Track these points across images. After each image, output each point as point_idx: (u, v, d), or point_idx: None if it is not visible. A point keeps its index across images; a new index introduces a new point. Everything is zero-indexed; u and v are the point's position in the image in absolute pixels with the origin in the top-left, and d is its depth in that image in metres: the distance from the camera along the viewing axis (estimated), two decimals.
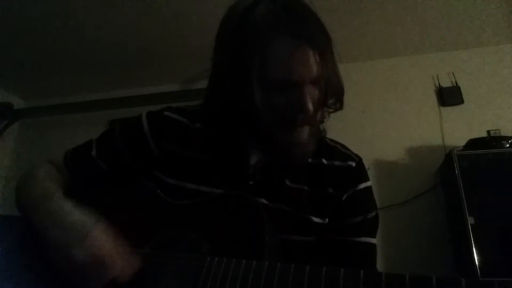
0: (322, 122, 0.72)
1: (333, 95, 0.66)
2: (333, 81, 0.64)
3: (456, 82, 2.25)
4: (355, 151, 0.77)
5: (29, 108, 2.93)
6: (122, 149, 0.73)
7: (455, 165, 1.73)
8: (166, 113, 0.76)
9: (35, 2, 1.95)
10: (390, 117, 2.29)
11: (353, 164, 0.73)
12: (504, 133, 2.01)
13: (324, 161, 0.73)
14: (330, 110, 0.70)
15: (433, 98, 2.28)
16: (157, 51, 2.38)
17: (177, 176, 0.69)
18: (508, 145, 1.75)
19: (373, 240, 0.71)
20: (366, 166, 0.76)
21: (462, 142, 1.87)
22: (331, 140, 0.79)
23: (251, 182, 0.69)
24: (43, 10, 2.02)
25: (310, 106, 0.59)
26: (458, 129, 2.14)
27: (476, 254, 1.56)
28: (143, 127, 0.73)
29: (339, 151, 0.76)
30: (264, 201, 0.67)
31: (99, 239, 0.54)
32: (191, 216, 0.62)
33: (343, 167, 0.72)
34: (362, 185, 0.72)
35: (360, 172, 0.74)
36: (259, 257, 0.52)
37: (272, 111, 0.61)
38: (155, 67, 2.56)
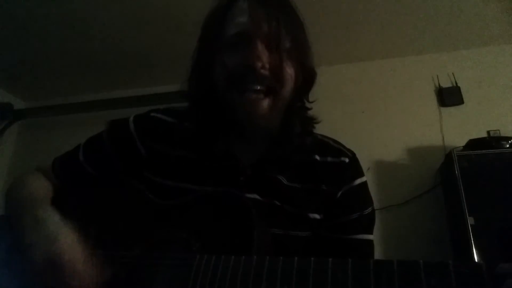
0: (301, 109, 0.72)
1: (302, 71, 0.67)
2: (298, 55, 0.66)
3: (456, 82, 2.25)
4: (355, 151, 0.76)
5: (29, 108, 2.93)
6: (110, 151, 0.73)
7: (455, 165, 1.73)
8: (152, 114, 0.77)
9: (35, 2, 1.95)
10: (390, 117, 2.29)
11: (346, 160, 0.72)
12: (504, 133, 2.01)
13: (317, 157, 0.72)
14: (307, 102, 0.72)
15: (433, 98, 2.28)
16: (157, 51, 2.38)
17: (167, 176, 0.69)
18: (508, 145, 1.75)
19: (370, 237, 0.71)
20: (366, 167, 0.75)
21: (462, 142, 1.88)
22: (322, 135, 0.78)
23: (241, 178, 0.68)
24: (43, 10, 2.02)
25: (258, 62, 0.60)
26: (458, 129, 2.14)
27: (476, 254, 1.56)
28: (129, 128, 0.74)
29: (331, 147, 0.74)
30: (256, 196, 0.67)
31: (63, 248, 0.54)
32: (181, 216, 0.62)
33: (336, 163, 0.71)
34: (357, 181, 0.71)
35: (354, 168, 0.73)
36: (248, 251, 0.52)
37: (224, 69, 0.64)
38: (155, 67, 2.56)
